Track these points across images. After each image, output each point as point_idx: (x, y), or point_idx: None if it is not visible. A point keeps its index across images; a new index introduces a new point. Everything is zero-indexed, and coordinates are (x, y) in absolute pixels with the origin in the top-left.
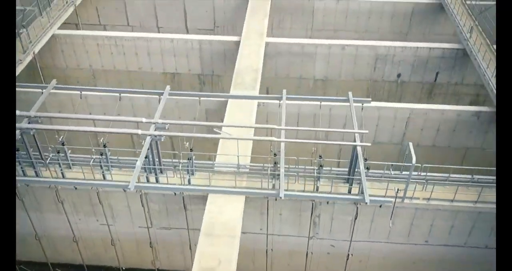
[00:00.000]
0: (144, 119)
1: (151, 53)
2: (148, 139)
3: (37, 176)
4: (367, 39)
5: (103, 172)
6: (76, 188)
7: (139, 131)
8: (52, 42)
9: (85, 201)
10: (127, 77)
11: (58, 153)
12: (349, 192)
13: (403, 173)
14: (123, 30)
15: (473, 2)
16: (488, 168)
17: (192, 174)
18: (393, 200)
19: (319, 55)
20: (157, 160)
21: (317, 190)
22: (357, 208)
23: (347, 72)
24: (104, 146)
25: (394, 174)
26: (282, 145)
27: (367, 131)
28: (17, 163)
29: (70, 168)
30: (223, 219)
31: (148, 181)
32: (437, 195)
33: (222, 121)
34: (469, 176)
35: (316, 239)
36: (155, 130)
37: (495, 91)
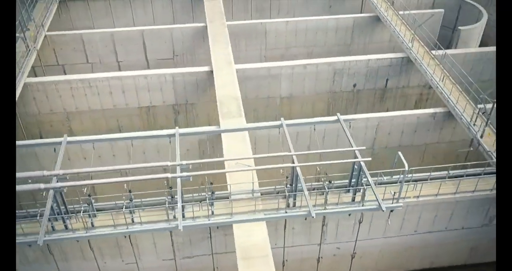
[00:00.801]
0: (169, 163)
1: (125, 91)
2: (179, 180)
3: (66, 229)
4: (315, 53)
5: (132, 216)
6: (129, 237)
7: (169, 175)
8: (23, 90)
9: (112, 244)
10: (102, 116)
11: (89, 205)
12: (353, 200)
13: (393, 177)
14: (83, 68)
15: (405, 12)
16: (462, 163)
17: (213, 205)
18: (402, 204)
19: (284, 76)
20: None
21: (325, 202)
22: (362, 213)
23: (309, 88)
24: (130, 191)
25: (386, 179)
26: (298, 169)
27: (364, 147)
28: (47, 220)
29: (96, 216)
30: (253, 241)
31: (174, 217)
32: (423, 192)
33: (216, 148)
34: (445, 172)
35: (323, 245)
36: (181, 171)
37: (445, 92)
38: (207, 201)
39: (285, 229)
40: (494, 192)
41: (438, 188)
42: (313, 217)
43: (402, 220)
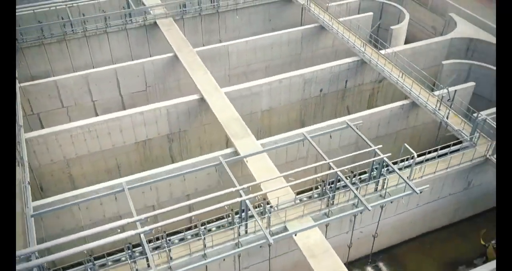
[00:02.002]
0: (233, 189)
1: (123, 129)
2: (248, 201)
3: (148, 266)
4: (272, 66)
5: (205, 245)
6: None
7: (239, 199)
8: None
9: None
10: (101, 157)
11: (169, 240)
12: (376, 190)
13: (400, 164)
14: (58, 113)
15: (345, 18)
16: (447, 144)
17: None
18: (428, 184)
19: (264, 92)
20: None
21: (359, 195)
22: (385, 199)
23: (285, 99)
24: (204, 224)
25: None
26: (339, 173)
27: (381, 145)
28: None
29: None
30: (312, 240)
31: (240, 235)
32: (425, 172)
33: (232, 167)
34: (435, 153)
35: (351, 232)
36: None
37: (406, 86)
38: (268, 214)
39: (327, 226)
40: (473, 161)
41: (436, 166)
42: (369, 210)
43: (409, 197)
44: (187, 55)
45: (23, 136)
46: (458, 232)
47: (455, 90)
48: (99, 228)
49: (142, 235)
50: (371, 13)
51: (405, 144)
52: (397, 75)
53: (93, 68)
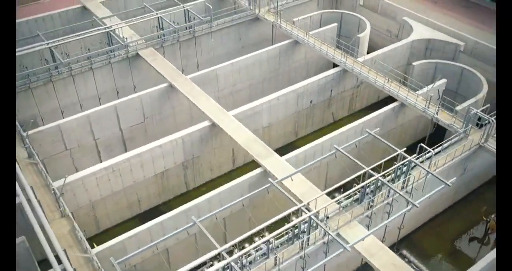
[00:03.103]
0: (295, 208)
1: (144, 164)
2: (312, 216)
3: None
4: (255, 83)
5: (276, 263)
6: None
7: (301, 218)
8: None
9: None
10: (123, 195)
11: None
12: (402, 188)
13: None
14: (61, 156)
15: (314, 32)
16: (445, 141)
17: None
18: (455, 178)
19: (264, 110)
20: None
21: (391, 195)
22: (412, 194)
23: (282, 114)
24: (268, 241)
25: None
26: (381, 178)
27: (404, 148)
28: None
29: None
30: (366, 242)
31: (302, 248)
32: (438, 165)
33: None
34: (440, 147)
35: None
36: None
37: (393, 89)
38: (326, 223)
39: (368, 226)
40: (470, 150)
41: (445, 159)
42: (417, 206)
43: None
44: (183, 84)
45: (54, 186)
46: (458, 212)
47: (444, 89)
48: (195, 262)
49: (233, 263)
50: (335, 24)
51: (421, 144)
52: (382, 80)
53: (80, 105)
